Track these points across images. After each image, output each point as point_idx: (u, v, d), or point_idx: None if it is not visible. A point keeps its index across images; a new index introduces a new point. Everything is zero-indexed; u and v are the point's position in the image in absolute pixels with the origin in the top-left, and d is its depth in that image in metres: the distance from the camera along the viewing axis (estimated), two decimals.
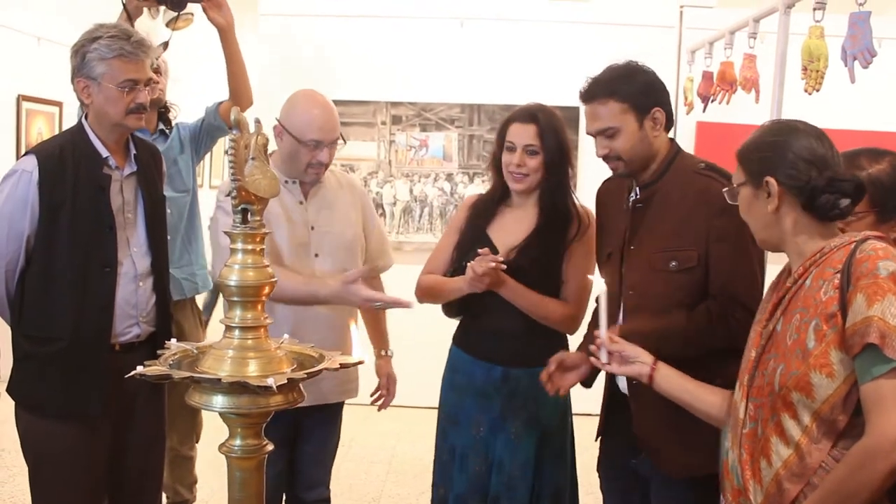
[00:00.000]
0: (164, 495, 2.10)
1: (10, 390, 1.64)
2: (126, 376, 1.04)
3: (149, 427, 1.71)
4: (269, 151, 1.67)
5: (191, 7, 2.11)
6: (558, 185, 1.75)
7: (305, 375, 1.03)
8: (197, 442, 2.41)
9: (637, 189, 1.51)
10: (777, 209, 1.12)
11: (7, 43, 3.78)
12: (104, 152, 1.60)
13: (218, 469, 1.69)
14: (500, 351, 1.75)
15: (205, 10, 2.07)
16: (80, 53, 1.56)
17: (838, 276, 1.03)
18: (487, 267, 1.59)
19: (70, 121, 1.78)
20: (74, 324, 1.55)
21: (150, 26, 2.35)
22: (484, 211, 1.79)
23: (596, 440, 1.64)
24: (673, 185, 1.48)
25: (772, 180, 1.11)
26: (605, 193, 1.68)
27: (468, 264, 1.62)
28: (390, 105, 3.75)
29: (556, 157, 1.72)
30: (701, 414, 1.26)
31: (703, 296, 1.43)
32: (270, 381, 0.97)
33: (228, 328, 1.06)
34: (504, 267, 1.62)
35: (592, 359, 1.33)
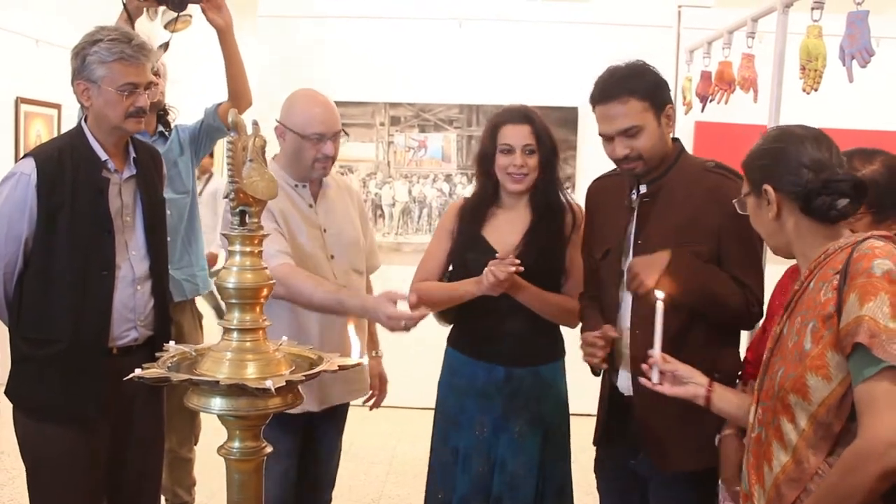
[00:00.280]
0: (162, 497, 2.10)
1: (7, 393, 1.64)
2: (124, 379, 1.03)
3: (147, 429, 1.71)
4: (273, 155, 1.69)
5: (190, 8, 2.11)
6: (550, 182, 1.77)
7: (304, 378, 1.03)
8: (195, 444, 2.41)
9: (644, 185, 1.50)
10: (777, 216, 1.12)
11: (6, 45, 3.78)
12: (103, 155, 1.61)
13: (217, 471, 1.70)
14: (502, 352, 1.75)
15: (204, 11, 2.07)
16: (81, 56, 1.56)
17: (837, 276, 1.02)
18: (508, 272, 1.60)
19: (69, 123, 1.78)
20: (72, 326, 1.56)
21: (149, 28, 2.35)
22: (476, 214, 1.79)
23: (594, 444, 1.64)
24: (679, 181, 1.49)
25: (769, 188, 1.12)
26: (599, 192, 1.67)
27: (488, 269, 1.61)
28: (389, 106, 3.75)
29: (550, 155, 1.76)
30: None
31: None
32: (269, 384, 0.97)
33: (227, 330, 1.06)
34: (522, 269, 1.62)
35: (643, 379, 1.29)
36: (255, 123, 1.10)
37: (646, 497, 1.56)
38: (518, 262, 1.62)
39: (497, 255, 1.65)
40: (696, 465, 1.48)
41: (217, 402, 1.01)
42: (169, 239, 1.85)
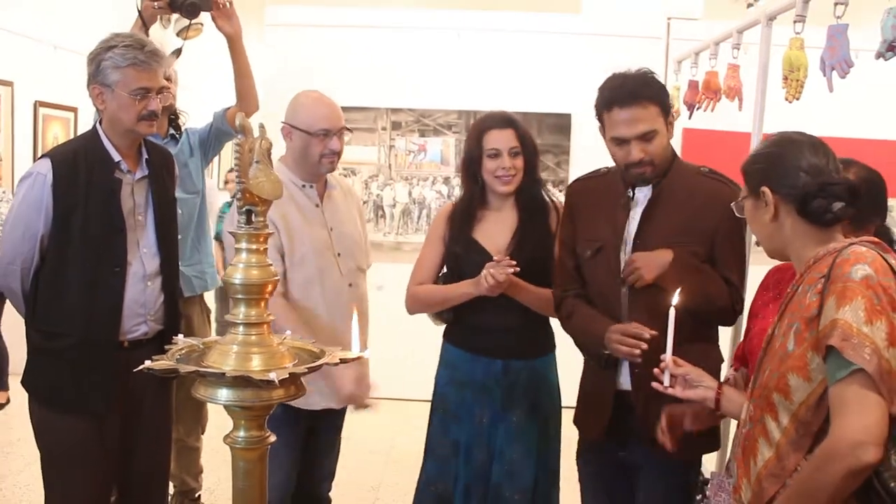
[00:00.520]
0: (171, 484, 2.16)
1: (23, 382, 1.68)
2: (134, 370, 1.06)
3: (156, 421, 1.75)
4: (278, 157, 1.74)
5: (201, 17, 2.15)
6: (534, 181, 1.84)
7: (306, 370, 1.05)
8: (202, 433, 2.46)
9: (648, 187, 1.53)
10: (775, 217, 1.13)
11: (25, 51, 3.83)
12: (116, 157, 1.64)
13: (223, 459, 1.75)
14: (499, 346, 1.80)
15: (214, 19, 2.11)
16: (96, 61, 1.60)
17: (822, 280, 1.04)
18: (506, 273, 1.64)
19: (85, 126, 1.83)
20: (84, 321, 1.59)
21: (162, 35, 2.41)
22: (465, 218, 1.83)
23: (600, 439, 1.60)
24: (678, 185, 1.53)
25: (766, 189, 1.13)
26: (582, 192, 1.67)
27: (489, 272, 1.65)
28: (390, 111, 3.81)
29: (532, 156, 1.83)
30: None
31: None
32: (273, 376, 0.99)
33: (233, 324, 1.08)
34: (518, 269, 1.67)
35: (654, 383, 1.31)
36: (262, 126, 1.12)
37: (631, 485, 1.61)
38: (514, 262, 1.67)
39: (495, 258, 1.70)
40: (691, 455, 1.56)
41: (223, 393, 1.03)
42: (179, 237, 1.88)
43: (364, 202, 3.81)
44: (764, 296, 1.45)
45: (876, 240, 1.08)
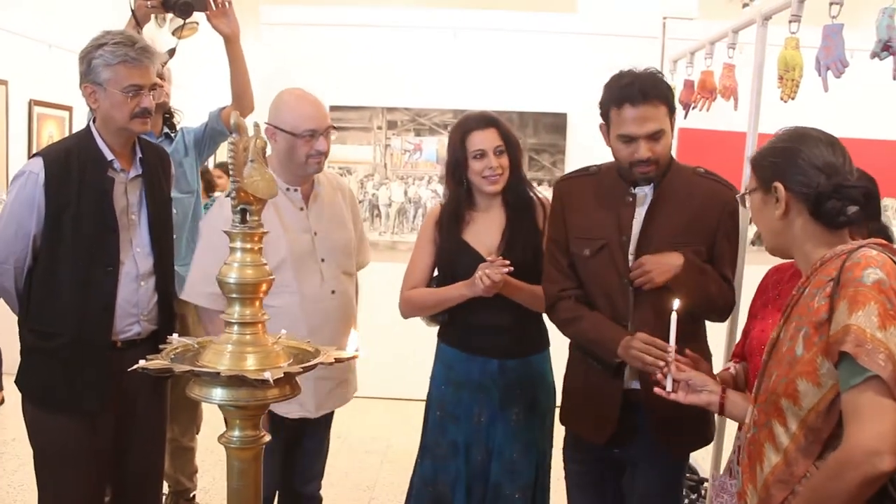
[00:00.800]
0: (165, 485, 2.15)
1: (17, 382, 1.68)
2: (129, 370, 1.06)
3: (151, 422, 1.74)
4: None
5: (196, 16, 2.14)
6: (519, 179, 1.84)
7: (301, 369, 1.05)
8: (197, 433, 2.45)
9: (649, 186, 1.53)
10: (785, 214, 1.11)
11: (20, 49, 3.82)
12: (109, 155, 1.63)
13: (218, 458, 1.75)
14: (495, 345, 1.81)
15: (209, 18, 2.10)
16: (87, 60, 1.59)
17: (831, 284, 1.02)
18: (502, 273, 1.65)
19: (80, 125, 1.82)
20: (76, 320, 1.59)
21: (156, 34, 2.40)
22: (454, 220, 1.83)
23: (605, 443, 1.59)
24: (678, 184, 1.54)
25: (779, 185, 1.10)
26: (573, 191, 1.64)
27: (484, 272, 1.66)
28: (386, 111, 3.81)
29: (517, 153, 1.83)
30: None
31: None
32: (267, 375, 0.99)
33: (228, 324, 1.08)
34: (513, 269, 1.67)
35: (657, 389, 1.31)
36: (257, 125, 1.12)
37: (620, 480, 1.62)
38: (508, 262, 1.68)
39: (488, 258, 1.70)
40: (691, 448, 1.62)
41: (218, 393, 1.03)
42: (174, 236, 1.87)
43: (360, 201, 3.80)
44: (763, 296, 1.46)
45: (884, 242, 1.07)
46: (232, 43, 2.13)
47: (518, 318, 1.80)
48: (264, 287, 1.09)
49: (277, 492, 1.89)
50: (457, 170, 1.82)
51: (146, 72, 1.61)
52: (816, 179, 1.08)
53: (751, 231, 3.66)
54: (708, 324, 1.65)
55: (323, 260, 1.77)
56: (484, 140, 1.78)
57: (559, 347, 1.83)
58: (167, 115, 2.28)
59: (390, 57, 3.75)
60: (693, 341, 1.54)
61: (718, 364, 1.64)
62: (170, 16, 2.18)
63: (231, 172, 1.07)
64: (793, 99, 1.93)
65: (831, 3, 1.73)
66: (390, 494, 2.80)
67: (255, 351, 1.07)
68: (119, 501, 1.80)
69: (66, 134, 4.08)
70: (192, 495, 2.48)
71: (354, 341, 1.18)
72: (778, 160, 1.12)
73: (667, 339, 1.32)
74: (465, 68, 3.74)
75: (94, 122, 1.67)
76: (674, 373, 1.29)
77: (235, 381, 1.02)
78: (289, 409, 1.70)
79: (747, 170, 2.03)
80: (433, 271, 1.89)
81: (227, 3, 2.09)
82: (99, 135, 1.65)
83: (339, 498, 2.68)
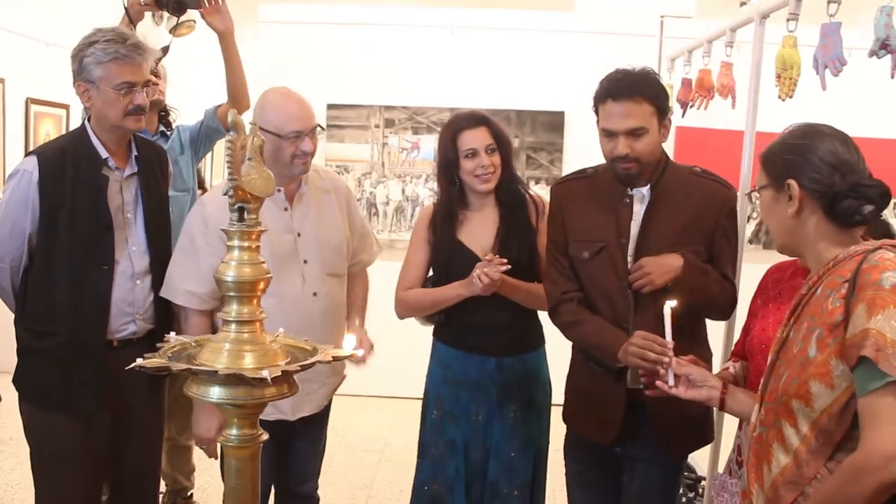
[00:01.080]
0: (163, 483, 2.15)
1: (14, 381, 1.67)
2: (126, 368, 1.06)
3: (148, 421, 1.74)
4: None
5: (191, 13, 2.14)
6: (511, 177, 1.84)
7: (299, 368, 1.05)
8: None
9: (646, 188, 1.53)
10: (798, 213, 1.09)
11: (17, 47, 3.81)
12: (104, 153, 1.63)
13: (210, 458, 1.75)
14: (492, 344, 1.81)
15: (203, 15, 2.09)
16: (79, 58, 1.58)
17: (846, 285, 1.00)
18: (499, 271, 1.65)
19: (77, 123, 1.81)
20: (71, 320, 1.58)
21: (151, 31, 2.39)
22: (448, 220, 1.83)
23: (609, 445, 1.58)
24: (675, 185, 1.54)
25: (793, 183, 1.08)
26: (570, 194, 1.64)
27: (482, 271, 1.66)
28: (384, 109, 3.80)
29: (508, 151, 1.82)
30: None
31: None
32: (265, 373, 0.99)
33: (225, 322, 1.08)
34: (510, 267, 1.67)
35: (659, 382, 1.30)
36: (254, 123, 1.14)
37: (620, 478, 1.63)
38: (505, 260, 1.68)
39: (484, 258, 1.70)
40: (691, 448, 1.63)
41: (216, 391, 1.03)
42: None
43: (357, 200, 3.79)
44: (763, 295, 1.45)
45: None
46: (226, 40, 2.12)
47: (514, 317, 1.81)
48: (262, 285, 1.10)
49: (273, 491, 1.88)
50: (448, 169, 1.81)
51: (138, 69, 1.60)
52: (832, 178, 1.06)
53: (748, 229, 3.67)
54: (707, 323, 1.65)
55: (306, 261, 1.73)
56: (475, 139, 1.78)
57: (555, 344, 1.83)
58: (163, 113, 2.28)
59: (388, 55, 3.75)
60: (694, 343, 1.54)
61: (717, 364, 1.64)
62: (167, 14, 2.17)
63: (228, 170, 1.07)
64: (790, 97, 1.93)
65: (829, 2, 1.73)
66: (388, 493, 2.80)
67: (253, 349, 1.07)
68: (116, 500, 1.80)
69: (64, 132, 4.06)
70: (189, 494, 2.48)
71: (352, 343, 1.18)
72: (792, 157, 1.10)
73: (678, 358, 1.31)
74: (463, 67, 3.74)
75: (88, 120, 1.67)
76: (674, 367, 1.29)
77: (233, 379, 1.02)
78: (265, 412, 1.67)
79: (745, 168, 2.04)
80: (428, 271, 1.89)
81: (220, 0, 2.08)
82: (94, 133, 1.64)
83: (336, 496, 2.68)
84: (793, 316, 1.10)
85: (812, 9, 1.88)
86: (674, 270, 1.45)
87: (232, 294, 1.08)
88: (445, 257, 1.83)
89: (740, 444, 1.38)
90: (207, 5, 2.07)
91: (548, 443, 1.90)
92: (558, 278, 1.63)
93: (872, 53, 1.64)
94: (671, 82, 2.94)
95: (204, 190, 2.57)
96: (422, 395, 1.94)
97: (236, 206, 1.08)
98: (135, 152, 1.70)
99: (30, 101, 3.95)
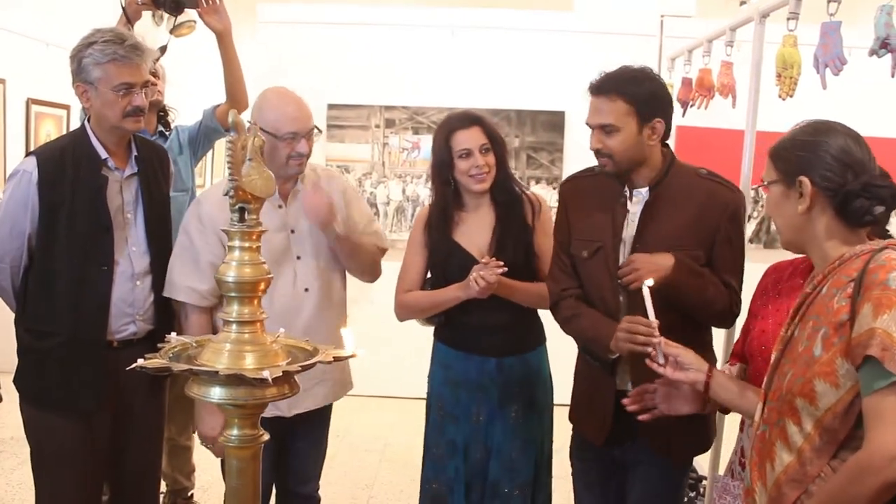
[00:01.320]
0: (163, 483, 2.15)
1: (14, 381, 1.68)
2: (127, 369, 1.05)
3: (149, 420, 1.74)
4: None
5: (191, 14, 2.13)
6: (506, 176, 1.83)
7: (300, 368, 1.05)
8: (195, 432, 2.45)
9: (645, 189, 1.53)
10: (808, 210, 1.08)
11: (17, 48, 3.81)
12: (103, 154, 1.63)
13: (215, 458, 1.75)
14: (491, 344, 1.81)
15: (201, 15, 2.09)
16: (77, 59, 1.58)
17: (852, 284, 1.00)
18: (496, 274, 1.65)
19: (78, 124, 1.82)
20: (71, 320, 1.58)
21: (149, 31, 2.38)
22: (443, 222, 1.82)
23: (601, 445, 1.60)
24: (677, 187, 1.52)
25: (805, 180, 1.07)
26: (576, 191, 1.65)
27: (479, 274, 1.66)
28: (384, 109, 3.80)
29: (502, 150, 1.82)
30: (747, 415, 1.26)
31: None
32: (266, 374, 0.99)
33: (226, 322, 1.08)
34: (507, 269, 1.67)
35: (648, 360, 1.32)
36: (254, 123, 1.14)
37: (624, 480, 1.62)
38: (501, 262, 1.68)
39: (481, 260, 1.70)
40: (691, 453, 1.60)
41: (216, 392, 1.03)
42: None
43: None
44: (763, 295, 1.44)
45: None
46: (224, 39, 2.11)
47: (514, 317, 1.81)
48: (263, 286, 1.09)
49: (273, 491, 1.88)
50: (443, 170, 1.81)
51: (137, 70, 1.60)
52: (844, 176, 1.05)
53: (748, 229, 3.66)
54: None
55: (299, 258, 1.73)
56: (469, 139, 1.77)
57: (557, 343, 1.83)
58: (161, 114, 2.28)
59: (388, 55, 3.75)
60: (698, 350, 1.52)
61: (718, 366, 1.63)
62: (167, 14, 2.17)
63: (229, 171, 1.06)
64: (791, 97, 1.93)
65: (829, 1, 1.73)
66: (389, 493, 2.81)
67: (254, 349, 1.07)
68: (117, 500, 1.80)
69: (64, 133, 4.06)
70: (189, 494, 2.48)
71: (351, 340, 1.18)
72: (804, 154, 1.08)
73: (666, 339, 1.32)
74: (463, 66, 3.74)
75: (88, 120, 1.67)
76: (664, 348, 1.29)
77: (234, 379, 1.02)
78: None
79: (745, 168, 2.04)
80: (426, 273, 1.89)
81: (217, 0, 2.08)
82: (93, 133, 1.64)
83: (337, 496, 2.68)
84: (797, 314, 1.09)
85: (812, 8, 1.88)
86: (663, 269, 1.44)
87: (233, 294, 1.09)
88: (442, 259, 1.83)
89: (743, 446, 1.37)
90: (205, 5, 2.07)
91: (551, 441, 1.90)
92: (560, 276, 1.64)
93: (872, 52, 1.64)
94: (671, 81, 2.94)
95: None
96: (422, 395, 1.95)
97: (237, 207, 1.08)
98: (135, 152, 1.70)
99: (30, 102, 3.95)
